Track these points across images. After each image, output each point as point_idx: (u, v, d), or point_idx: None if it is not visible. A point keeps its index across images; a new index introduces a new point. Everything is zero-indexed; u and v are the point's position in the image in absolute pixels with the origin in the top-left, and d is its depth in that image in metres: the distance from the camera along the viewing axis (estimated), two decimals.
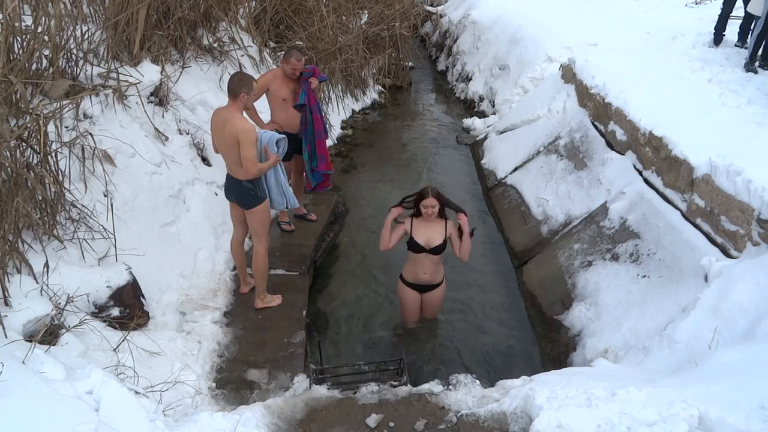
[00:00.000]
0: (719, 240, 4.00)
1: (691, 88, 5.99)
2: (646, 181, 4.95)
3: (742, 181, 3.86)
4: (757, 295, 3.40)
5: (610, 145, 5.67)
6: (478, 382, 3.70)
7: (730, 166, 4.00)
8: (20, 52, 4.10)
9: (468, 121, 9.20)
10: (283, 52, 5.26)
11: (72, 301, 3.58)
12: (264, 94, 5.05)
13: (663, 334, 3.67)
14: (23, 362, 2.86)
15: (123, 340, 3.62)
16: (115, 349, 3.56)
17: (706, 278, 3.79)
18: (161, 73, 5.57)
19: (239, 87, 3.89)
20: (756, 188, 3.74)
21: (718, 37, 7.59)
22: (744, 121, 5.04)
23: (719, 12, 7.59)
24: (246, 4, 7.83)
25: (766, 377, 2.75)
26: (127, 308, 3.90)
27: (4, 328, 3.10)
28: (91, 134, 4.32)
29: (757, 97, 5.63)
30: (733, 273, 3.60)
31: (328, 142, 5.38)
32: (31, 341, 3.11)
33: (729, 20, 7.53)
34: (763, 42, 6.37)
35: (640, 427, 2.60)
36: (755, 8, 6.66)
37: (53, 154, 3.95)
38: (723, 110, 5.32)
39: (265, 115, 5.27)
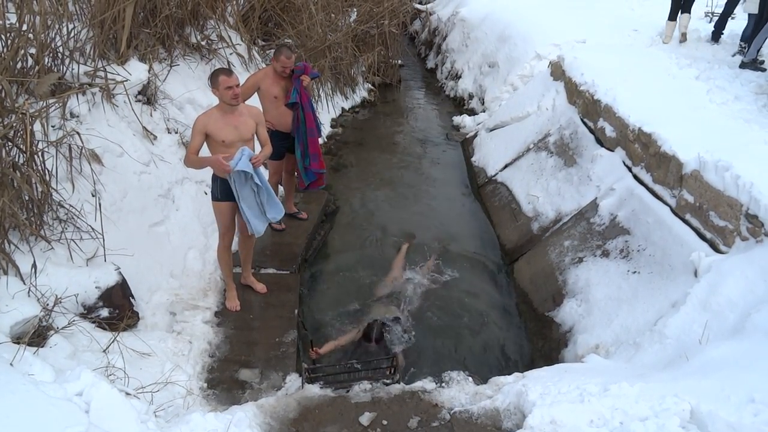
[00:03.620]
0: (708, 235, 4.03)
1: (679, 84, 6.05)
2: (635, 177, 4.98)
3: (730, 176, 3.89)
4: (746, 289, 3.44)
5: (600, 142, 5.70)
6: (470, 379, 3.71)
7: (718, 161, 4.03)
8: (5, 50, 4.04)
9: (458, 119, 9.21)
10: (273, 50, 5.22)
11: (60, 302, 3.53)
12: (255, 93, 5.02)
13: (653, 329, 3.70)
14: (11, 364, 2.82)
15: (113, 341, 3.58)
16: (104, 350, 3.52)
17: (695, 273, 3.82)
18: (149, 71, 5.52)
19: (210, 87, 4.01)
20: (744, 183, 3.77)
21: (716, 35, 7.71)
22: (731, 117, 5.10)
23: (721, 11, 7.75)
24: (234, 2, 7.78)
25: (755, 371, 2.78)
26: (116, 309, 3.86)
27: None
28: (78, 133, 4.26)
29: (744, 93, 5.70)
30: (722, 268, 3.64)
31: (319, 140, 5.35)
32: (19, 343, 3.07)
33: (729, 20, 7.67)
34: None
35: (633, 422, 2.61)
36: (751, 7, 6.78)
37: (40, 153, 3.90)
38: (711, 106, 5.38)
39: None
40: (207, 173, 5.68)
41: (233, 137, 3.98)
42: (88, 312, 3.73)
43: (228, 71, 3.93)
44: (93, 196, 4.28)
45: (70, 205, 4.04)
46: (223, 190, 4.11)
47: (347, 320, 4.77)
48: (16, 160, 3.72)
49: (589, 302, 4.40)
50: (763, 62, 6.52)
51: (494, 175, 6.97)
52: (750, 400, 2.56)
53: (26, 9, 4.13)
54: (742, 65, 6.53)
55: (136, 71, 5.35)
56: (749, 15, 7.04)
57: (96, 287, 3.80)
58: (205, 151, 4.07)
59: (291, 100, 4.93)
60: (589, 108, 6.01)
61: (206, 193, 5.42)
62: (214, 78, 3.92)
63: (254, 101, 5.06)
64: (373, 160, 7.98)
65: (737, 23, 7.77)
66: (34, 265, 3.54)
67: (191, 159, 4.00)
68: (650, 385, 2.87)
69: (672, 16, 7.97)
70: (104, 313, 3.79)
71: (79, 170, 4.29)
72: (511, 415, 3.09)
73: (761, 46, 6.46)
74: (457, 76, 10.60)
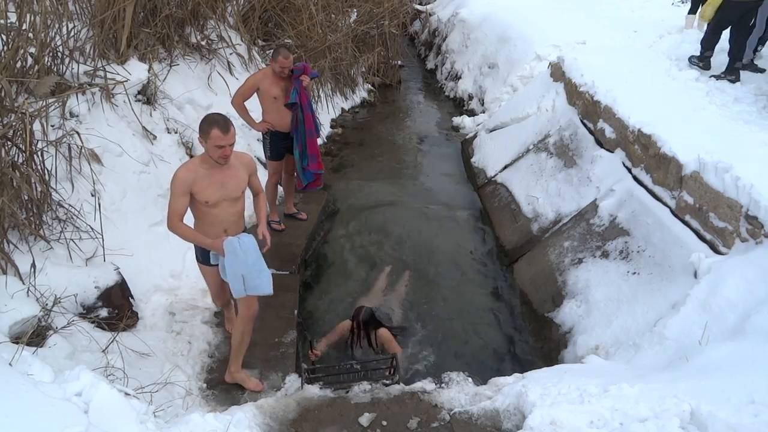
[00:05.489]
0: (708, 236, 4.03)
1: (679, 86, 6.05)
2: (635, 178, 4.98)
3: (730, 178, 3.89)
4: (746, 290, 3.44)
5: (600, 143, 5.70)
6: (470, 379, 3.71)
7: (718, 163, 4.03)
8: (5, 49, 4.04)
9: (458, 120, 9.21)
10: (272, 51, 5.23)
11: (59, 302, 3.53)
12: (255, 94, 5.02)
13: (653, 330, 3.70)
14: (10, 364, 2.81)
15: (112, 341, 3.58)
16: (104, 351, 3.52)
17: (695, 274, 3.82)
18: (149, 71, 5.52)
19: (199, 130, 3.27)
20: (744, 185, 3.78)
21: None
22: (731, 118, 5.10)
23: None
24: (234, 2, 7.78)
25: (755, 372, 2.78)
26: (115, 309, 3.86)
27: None
28: (77, 133, 4.27)
29: (743, 95, 5.71)
30: (722, 269, 3.63)
31: (318, 141, 5.34)
32: (18, 343, 3.06)
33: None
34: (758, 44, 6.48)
35: (633, 423, 2.61)
36: None
37: (39, 153, 3.90)
38: (711, 108, 5.38)
39: (256, 113, 5.24)
40: None
41: (218, 197, 3.35)
42: (87, 312, 3.72)
43: (224, 125, 3.15)
44: (92, 195, 4.28)
45: (70, 205, 4.03)
46: (205, 252, 3.55)
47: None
48: (16, 159, 3.72)
49: (589, 303, 4.40)
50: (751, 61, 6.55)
51: (494, 176, 6.97)
52: (750, 401, 2.57)
53: (26, 8, 4.13)
54: (741, 67, 6.54)
55: (135, 71, 5.35)
56: None
57: (95, 287, 3.79)
58: None
59: (290, 101, 4.93)
60: (589, 109, 6.01)
61: None
62: (206, 126, 3.17)
63: (254, 102, 5.07)
64: (373, 161, 7.98)
65: None
66: (33, 265, 3.54)
67: (180, 228, 3.33)
68: (650, 386, 2.87)
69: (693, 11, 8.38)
70: (103, 313, 3.78)
71: (78, 170, 4.29)
72: (510, 415, 3.09)
73: (756, 47, 6.46)
74: (456, 77, 10.59)
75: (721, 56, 6.80)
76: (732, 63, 6.39)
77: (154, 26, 5.92)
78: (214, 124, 3.15)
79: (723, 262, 3.69)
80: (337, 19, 9.65)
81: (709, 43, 6.65)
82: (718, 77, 6.31)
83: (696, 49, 6.97)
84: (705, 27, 6.81)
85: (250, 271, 3.43)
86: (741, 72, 6.42)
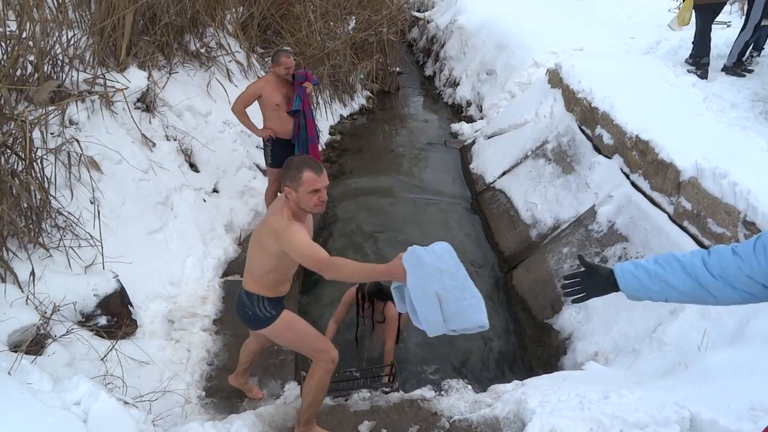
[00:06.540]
0: (706, 242, 4.04)
1: (676, 92, 6.07)
2: (633, 184, 4.99)
3: (727, 183, 3.91)
4: None
5: (598, 149, 5.71)
6: (470, 387, 3.71)
7: (715, 169, 4.05)
8: (4, 57, 4.05)
9: (456, 126, 9.24)
10: (271, 56, 5.25)
11: (58, 310, 3.52)
12: (256, 101, 5.03)
13: (652, 336, 3.70)
14: (9, 373, 2.81)
15: (111, 350, 3.57)
16: (102, 359, 3.51)
17: None
18: (148, 78, 5.53)
19: (283, 180, 2.70)
20: (741, 190, 3.79)
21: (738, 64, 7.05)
22: (728, 124, 5.12)
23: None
24: (233, 10, 7.82)
25: (755, 378, 2.78)
26: (114, 317, 3.84)
27: None
28: (77, 140, 4.26)
29: (740, 101, 5.73)
30: None
31: (318, 147, 5.36)
32: (16, 352, 3.05)
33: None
34: (746, 48, 6.53)
35: (633, 430, 2.62)
36: None
37: (39, 160, 3.89)
38: (708, 114, 5.40)
39: (256, 120, 5.25)
40: (205, 181, 5.69)
41: None
42: (86, 320, 3.71)
43: (316, 164, 2.64)
44: (92, 203, 4.28)
45: (69, 213, 4.03)
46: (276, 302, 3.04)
47: (347, 327, 4.75)
48: (15, 167, 3.72)
49: (588, 309, 4.40)
50: (745, 67, 6.58)
51: (492, 183, 6.99)
52: (750, 407, 2.57)
53: (26, 17, 4.14)
54: (724, 69, 6.62)
55: (135, 78, 5.35)
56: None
57: (94, 295, 3.78)
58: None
59: (294, 108, 4.95)
60: (587, 115, 6.03)
61: (205, 201, 5.42)
62: (294, 172, 2.61)
63: (253, 108, 5.08)
64: (371, 167, 7.99)
65: (732, 31, 7.81)
66: (33, 273, 3.53)
67: (345, 263, 2.74)
68: (650, 392, 2.87)
69: None
70: (102, 321, 3.77)
71: (77, 177, 4.28)
72: (510, 423, 3.09)
73: (741, 50, 6.52)
74: (455, 84, 10.63)
75: (718, 62, 6.85)
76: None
77: (153, 34, 5.94)
78: (303, 166, 2.60)
79: None
80: (335, 26, 9.69)
81: (702, 49, 6.70)
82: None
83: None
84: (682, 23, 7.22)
85: (448, 287, 2.24)
86: (737, 78, 6.45)
